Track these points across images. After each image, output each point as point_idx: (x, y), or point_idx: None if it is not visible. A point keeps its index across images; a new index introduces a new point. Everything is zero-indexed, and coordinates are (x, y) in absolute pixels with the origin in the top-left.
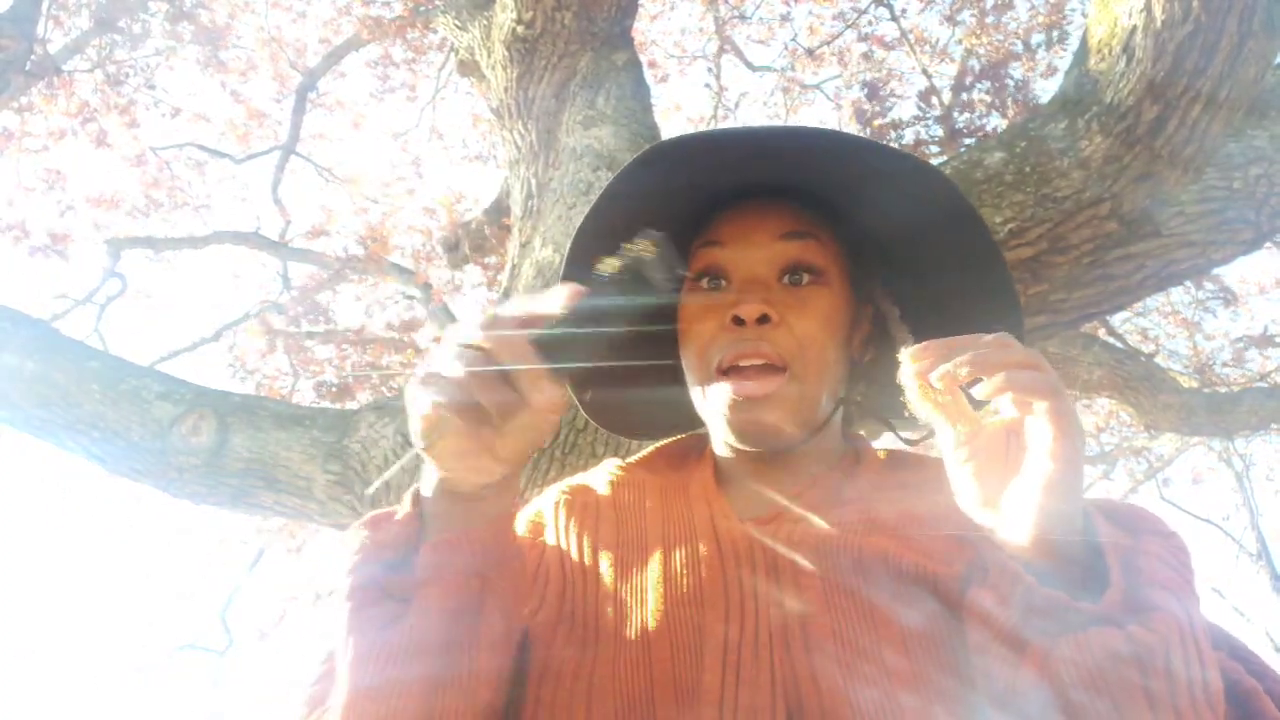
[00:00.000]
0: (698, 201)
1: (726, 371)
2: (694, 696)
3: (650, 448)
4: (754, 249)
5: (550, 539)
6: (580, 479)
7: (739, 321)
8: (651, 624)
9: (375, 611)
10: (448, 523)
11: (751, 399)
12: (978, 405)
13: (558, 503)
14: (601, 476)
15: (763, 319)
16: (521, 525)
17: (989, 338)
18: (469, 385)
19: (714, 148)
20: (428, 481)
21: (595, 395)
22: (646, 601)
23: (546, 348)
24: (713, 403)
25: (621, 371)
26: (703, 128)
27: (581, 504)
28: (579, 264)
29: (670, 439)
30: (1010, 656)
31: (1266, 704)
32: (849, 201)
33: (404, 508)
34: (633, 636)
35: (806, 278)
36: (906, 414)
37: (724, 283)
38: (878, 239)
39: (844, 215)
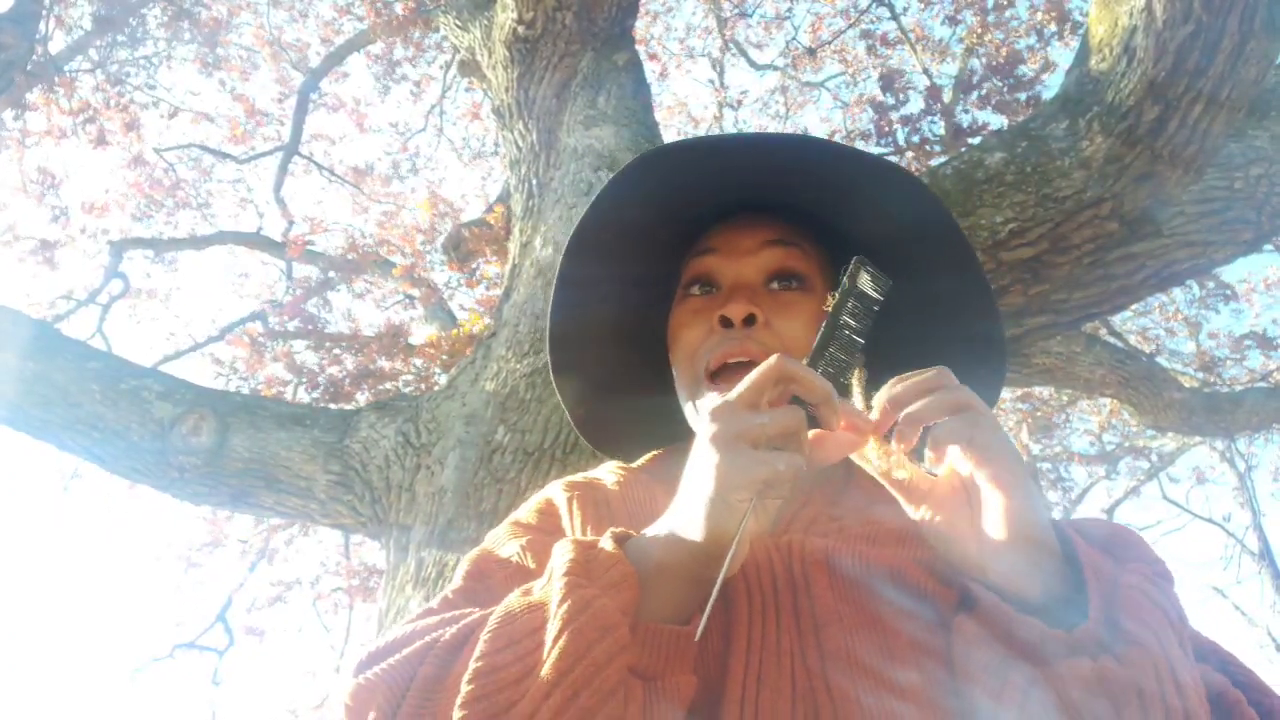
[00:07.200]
0: (688, 217)
1: (714, 376)
2: (718, 696)
3: (649, 455)
4: (742, 255)
5: (565, 528)
6: (585, 476)
7: (726, 323)
8: None
9: (614, 689)
10: (674, 598)
11: None
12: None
13: (569, 497)
14: (608, 476)
15: (749, 320)
16: (530, 513)
17: (908, 382)
18: (804, 439)
19: (700, 159)
20: (671, 557)
21: (589, 411)
22: None
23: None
24: (703, 410)
25: (614, 388)
26: (703, 128)
27: (593, 499)
28: (573, 272)
29: (668, 448)
30: (998, 670)
31: (1249, 714)
32: (832, 213)
33: (615, 560)
34: None
35: (793, 284)
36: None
37: (713, 290)
38: (861, 248)
39: (828, 226)
